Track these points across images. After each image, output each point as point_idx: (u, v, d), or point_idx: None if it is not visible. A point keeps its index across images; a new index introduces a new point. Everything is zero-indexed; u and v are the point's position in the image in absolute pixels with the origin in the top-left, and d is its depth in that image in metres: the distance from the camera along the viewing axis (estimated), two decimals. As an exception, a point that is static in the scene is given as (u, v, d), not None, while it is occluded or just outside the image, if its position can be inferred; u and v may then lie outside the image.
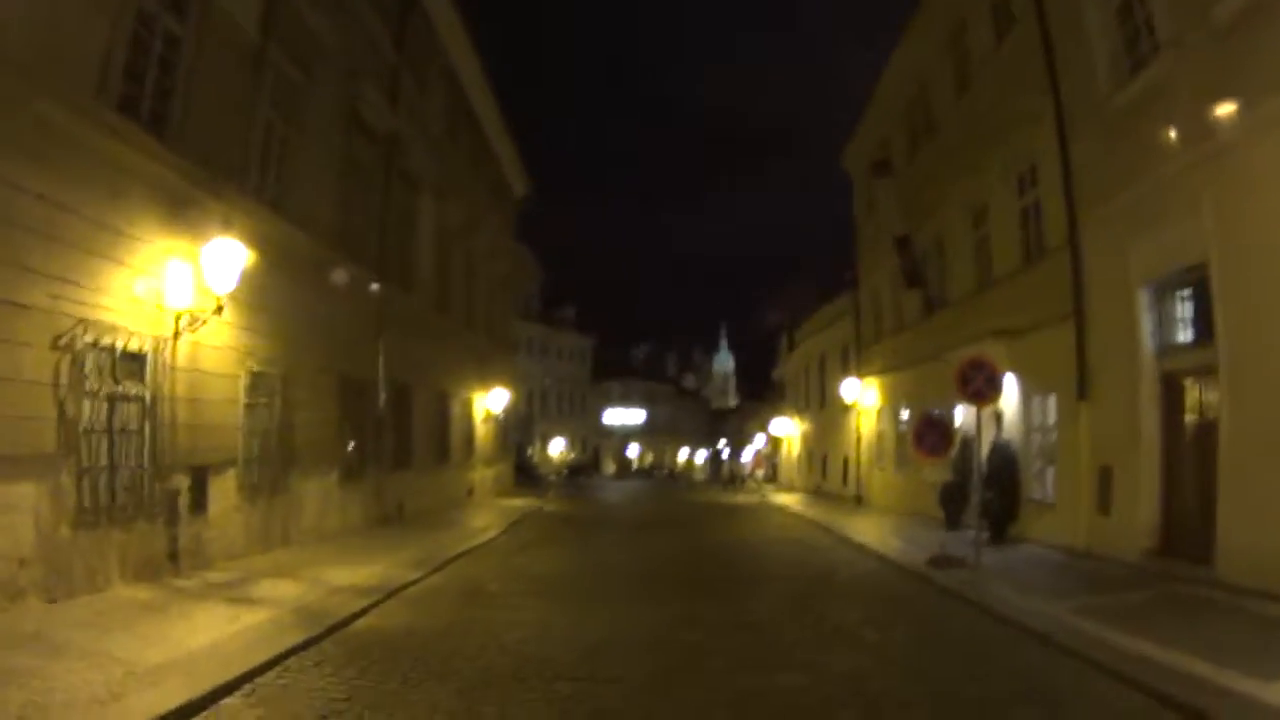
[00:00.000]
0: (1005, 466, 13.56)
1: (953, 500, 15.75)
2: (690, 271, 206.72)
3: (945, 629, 7.96)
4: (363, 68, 14.42)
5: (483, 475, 25.89)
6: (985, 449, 12.84)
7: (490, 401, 25.89)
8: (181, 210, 8.69)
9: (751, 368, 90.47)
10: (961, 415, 15.59)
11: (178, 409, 8.70)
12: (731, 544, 15.07)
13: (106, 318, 7.62)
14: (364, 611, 7.77)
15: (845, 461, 27.49)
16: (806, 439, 35.58)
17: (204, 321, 8.68)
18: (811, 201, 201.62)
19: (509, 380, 29.07)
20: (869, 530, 16.54)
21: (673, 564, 12.27)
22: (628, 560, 12.54)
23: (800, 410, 37.18)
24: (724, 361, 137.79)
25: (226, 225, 9.06)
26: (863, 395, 24.74)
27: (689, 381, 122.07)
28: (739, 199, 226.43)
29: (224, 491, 9.87)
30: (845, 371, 27.14)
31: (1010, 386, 14.09)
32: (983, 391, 10.34)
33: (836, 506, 24.06)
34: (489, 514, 19.79)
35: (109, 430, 7.72)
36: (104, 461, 7.64)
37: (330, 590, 8.55)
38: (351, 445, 14.26)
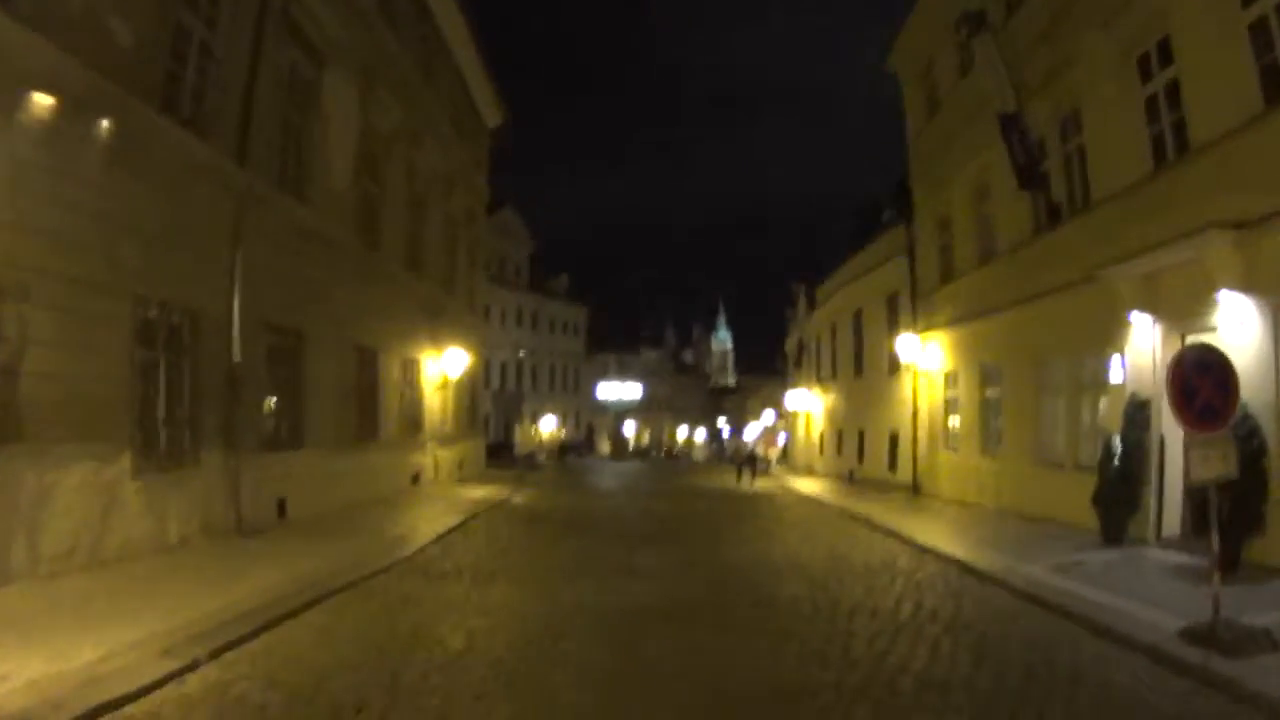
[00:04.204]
0: (1241, 446, 8.12)
1: (1117, 497, 10.30)
2: (686, 243, 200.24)
3: None
4: None
5: (438, 457, 20.45)
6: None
7: (445, 365, 20.43)
8: None
9: (751, 343, 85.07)
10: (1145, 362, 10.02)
11: None
12: (782, 576, 9.13)
13: None
14: None
15: (894, 440, 21.95)
16: (834, 414, 29.90)
17: None
18: (819, 164, 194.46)
19: (471, 342, 23.54)
20: (973, 545, 10.98)
21: (697, 630, 6.77)
22: (615, 618, 7.02)
23: (824, 380, 31.51)
24: (722, 338, 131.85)
25: None
26: (923, 355, 19.15)
27: (687, 358, 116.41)
28: (728, 161, 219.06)
29: None
30: (894, 328, 21.55)
31: (1242, 312, 8.66)
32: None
33: (888, 498, 18.53)
34: (430, 511, 14.37)
35: None
36: None
37: None
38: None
